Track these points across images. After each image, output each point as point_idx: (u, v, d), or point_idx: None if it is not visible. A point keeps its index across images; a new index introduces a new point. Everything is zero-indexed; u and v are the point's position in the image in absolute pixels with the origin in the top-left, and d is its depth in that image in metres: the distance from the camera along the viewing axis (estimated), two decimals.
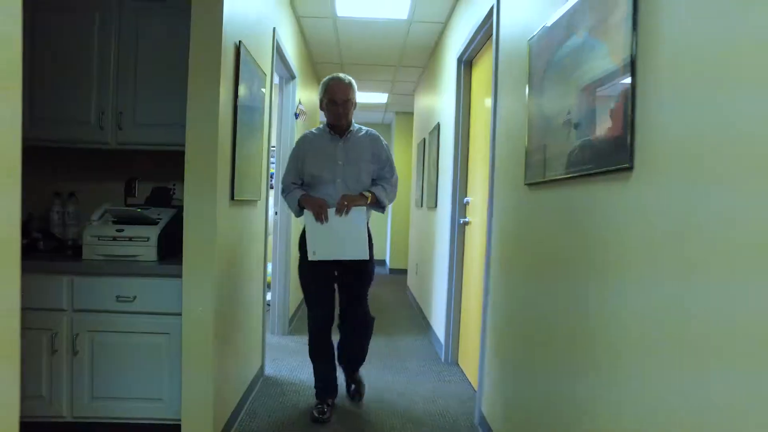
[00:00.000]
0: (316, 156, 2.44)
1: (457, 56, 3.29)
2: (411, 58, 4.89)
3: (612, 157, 1.21)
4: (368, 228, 2.43)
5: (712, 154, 0.88)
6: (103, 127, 2.17)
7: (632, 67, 1.14)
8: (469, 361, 2.99)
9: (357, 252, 2.36)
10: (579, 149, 1.41)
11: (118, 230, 2.10)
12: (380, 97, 6.70)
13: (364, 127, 2.56)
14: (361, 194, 2.39)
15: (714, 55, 0.89)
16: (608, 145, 1.24)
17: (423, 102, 5.43)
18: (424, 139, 4.99)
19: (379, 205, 2.47)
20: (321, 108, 2.51)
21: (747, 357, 0.78)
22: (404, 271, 6.78)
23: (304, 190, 2.46)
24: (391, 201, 2.53)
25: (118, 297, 2.00)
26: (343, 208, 2.31)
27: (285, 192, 2.53)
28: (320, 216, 2.31)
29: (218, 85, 1.94)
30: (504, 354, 2.14)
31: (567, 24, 1.53)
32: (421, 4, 3.56)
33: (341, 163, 2.42)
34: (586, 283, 1.37)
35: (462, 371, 3.20)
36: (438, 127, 4.14)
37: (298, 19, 3.94)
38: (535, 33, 1.80)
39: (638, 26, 1.14)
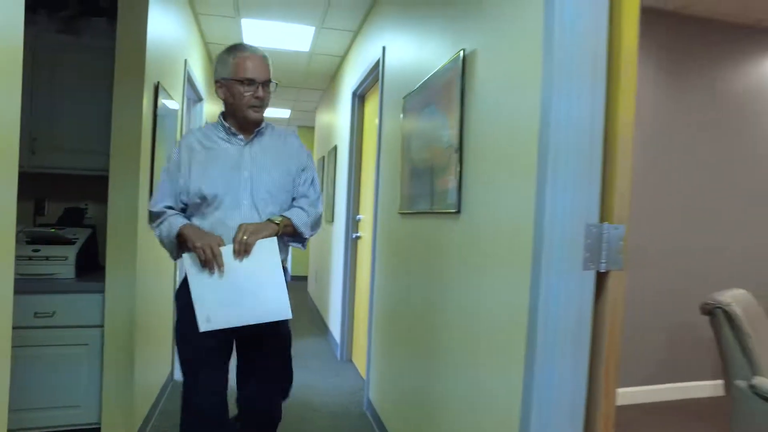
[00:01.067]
0: (209, 166, 1.62)
1: (352, 90, 3.76)
2: (313, 82, 5.29)
3: (451, 203, 1.73)
4: (285, 268, 1.70)
5: (488, 207, 1.41)
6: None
7: (460, 142, 1.66)
8: (361, 357, 3.45)
9: (275, 310, 1.56)
10: (432, 194, 1.92)
11: (34, 250, 2.27)
12: (283, 113, 7.01)
13: (272, 124, 1.81)
14: (269, 221, 1.60)
15: (488, 147, 1.43)
16: (449, 195, 1.76)
17: (323, 120, 5.85)
18: (324, 157, 5.41)
19: (298, 238, 1.71)
20: (221, 93, 1.67)
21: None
22: (305, 278, 7.13)
23: (186, 218, 1.63)
24: (314, 231, 1.75)
25: (36, 313, 2.17)
26: (243, 247, 1.51)
27: (154, 221, 1.64)
28: (211, 262, 1.50)
29: (140, 121, 2.22)
30: (384, 347, 2.62)
31: (426, 94, 2.05)
32: (321, 40, 3.98)
33: (248, 175, 1.64)
34: (433, 285, 1.88)
35: (355, 367, 3.66)
36: (335, 149, 4.58)
37: (207, 45, 4.18)
38: (409, 92, 2.30)
39: (464, 119, 1.67)
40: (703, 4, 3.32)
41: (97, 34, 2.38)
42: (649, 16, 3.24)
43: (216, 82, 1.68)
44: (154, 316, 2.68)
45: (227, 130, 1.68)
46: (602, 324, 1.21)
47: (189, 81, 3.38)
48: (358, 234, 3.69)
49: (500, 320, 1.36)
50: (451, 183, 1.71)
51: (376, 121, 3.02)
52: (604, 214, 1.19)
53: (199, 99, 4.02)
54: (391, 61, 2.77)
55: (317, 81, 5.24)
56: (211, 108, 4.60)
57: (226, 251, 1.52)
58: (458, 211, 1.66)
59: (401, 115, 2.39)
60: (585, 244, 1.17)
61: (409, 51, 2.38)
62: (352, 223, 3.78)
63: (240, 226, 1.54)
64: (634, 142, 1.18)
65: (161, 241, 1.64)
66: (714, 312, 1.83)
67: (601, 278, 1.20)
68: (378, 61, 2.96)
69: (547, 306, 1.16)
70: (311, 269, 6.43)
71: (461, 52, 1.66)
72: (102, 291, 2.18)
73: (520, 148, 1.29)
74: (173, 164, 1.66)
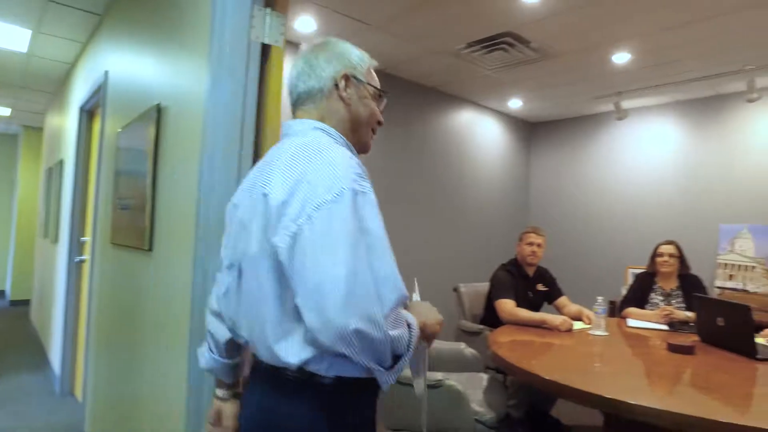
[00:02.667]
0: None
1: (80, 105, 3.54)
2: (37, 84, 4.71)
3: (146, 242, 1.88)
4: None
5: (171, 251, 1.64)
6: None
7: (153, 188, 1.84)
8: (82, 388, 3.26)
9: None
10: (134, 229, 2.04)
11: None
12: (3, 111, 5.99)
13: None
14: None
15: (172, 200, 1.66)
16: (145, 233, 1.91)
17: (53, 125, 5.23)
18: (50, 169, 4.85)
19: None
20: (347, 95, 1.11)
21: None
22: (28, 302, 6.18)
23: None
24: None
25: None
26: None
27: (395, 318, 0.92)
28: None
29: None
30: (100, 374, 2.59)
31: (134, 133, 2.15)
32: (41, 44, 3.63)
33: None
34: (135, 318, 2.01)
35: (76, 399, 3.42)
36: (62, 163, 4.19)
37: None
38: (123, 126, 2.35)
39: (157, 169, 1.84)
40: (405, 66, 4.15)
41: None
42: None
43: (345, 76, 1.10)
44: None
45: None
46: None
47: None
48: (83, 257, 3.47)
49: (175, 334, 1.58)
50: (147, 223, 1.86)
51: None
52: None
53: None
54: (114, 87, 2.76)
55: (41, 83, 4.69)
56: None
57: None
58: (151, 249, 1.83)
59: (116, 145, 2.43)
60: None
61: (128, 82, 2.43)
62: (77, 245, 3.54)
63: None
64: None
65: (407, 349, 0.93)
66: None
67: None
68: (100, 86, 2.90)
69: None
70: (35, 293, 5.63)
71: (158, 104, 1.84)
72: None
73: (188, 210, 1.54)
74: (378, 214, 0.97)
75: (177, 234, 1.62)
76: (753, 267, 4.06)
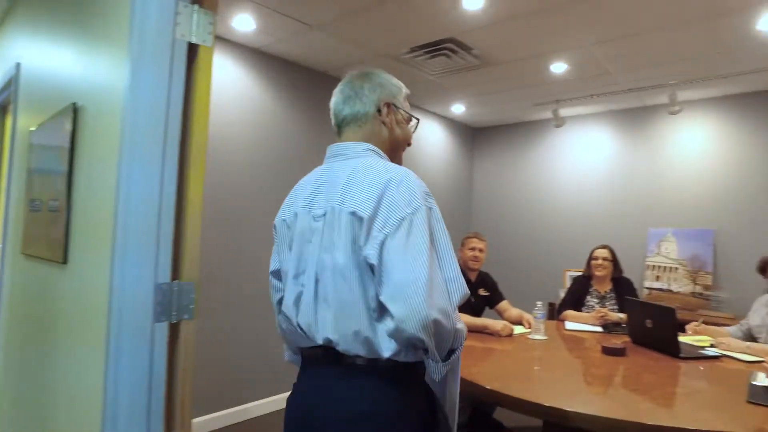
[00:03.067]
0: None
1: None
2: None
3: (60, 253, 1.71)
4: None
5: (87, 264, 1.49)
6: None
7: (69, 194, 1.68)
8: None
9: None
10: (49, 239, 1.86)
11: None
12: None
13: None
14: None
15: (89, 206, 1.51)
16: (59, 244, 1.74)
17: None
18: None
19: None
20: (389, 120, 1.33)
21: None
22: None
23: None
24: None
25: None
26: None
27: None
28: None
29: None
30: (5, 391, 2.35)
31: (49, 133, 1.97)
32: None
33: None
34: (44, 344, 1.83)
35: None
36: None
37: None
38: (37, 125, 2.15)
39: (73, 173, 1.69)
40: (349, 69, 4.08)
41: None
42: (297, 73, 3.82)
43: (387, 104, 1.31)
44: None
45: None
46: (177, 366, 1.43)
47: None
48: None
49: (83, 388, 1.44)
50: (61, 233, 1.70)
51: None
52: (177, 274, 1.41)
53: None
54: (26, 80, 2.52)
55: None
56: None
57: None
58: (65, 262, 1.66)
59: (29, 145, 2.22)
60: (156, 300, 1.36)
61: (42, 76, 2.23)
62: None
63: None
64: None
65: (461, 343, 1.18)
66: None
67: (174, 328, 1.42)
68: (11, 79, 2.65)
69: (118, 360, 1.30)
70: None
71: (74, 103, 1.69)
72: None
73: (106, 219, 1.41)
74: (443, 224, 1.21)
75: (93, 245, 1.49)
76: (676, 268, 4.31)
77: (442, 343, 1.09)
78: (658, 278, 4.37)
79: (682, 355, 2.31)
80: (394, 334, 1.08)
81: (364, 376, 1.14)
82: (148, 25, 1.31)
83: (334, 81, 4.08)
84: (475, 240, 3.27)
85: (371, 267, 1.09)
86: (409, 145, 1.40)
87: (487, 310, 3.37)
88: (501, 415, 3.07)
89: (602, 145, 4.92)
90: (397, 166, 1.21)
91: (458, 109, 5.05)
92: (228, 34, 3.37)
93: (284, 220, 1.31)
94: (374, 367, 1.13)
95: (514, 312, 3.26)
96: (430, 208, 1.16)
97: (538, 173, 5.34)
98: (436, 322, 1.04)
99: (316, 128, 3.98)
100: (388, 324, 1.09)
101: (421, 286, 1.03)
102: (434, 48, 3.45)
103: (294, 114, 3.86)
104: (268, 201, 3.69)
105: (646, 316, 2.50)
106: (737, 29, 3.02)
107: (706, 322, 2.87)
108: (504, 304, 3.38)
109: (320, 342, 1.18)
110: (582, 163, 5.04)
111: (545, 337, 2.76)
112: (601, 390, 1.88)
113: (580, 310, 3.39)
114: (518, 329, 2.94)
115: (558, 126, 4.65)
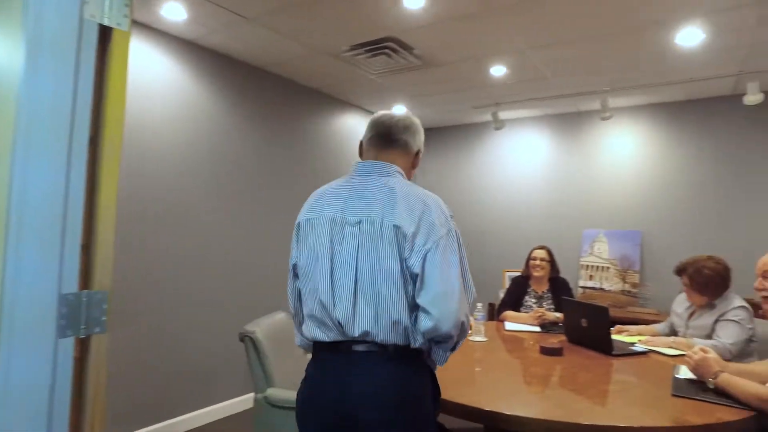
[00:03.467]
0: None
1: None
2: None
3: None
4: None
5: None
6: None
7: None
8: None
9: None
10: None
11: None
12: None
13: None
14: None
15: None
16: None
17: None
18: None
19: None
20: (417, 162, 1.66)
21: None
22: None
23: None
24: None
25: None
26: None
27: None
28: None
29: None
30: None
31: None
32: None
33: None
34: None
35: None
36: None
37: None
38: None
39: None
40: (287, 65, 3.97)
41: None
42: (232, 67, 3.66)
43: (419, 151, 1.62)
44: None
45: None
46: (87, 386, 1.28)
47: None
48: None
49: None
50: None
51: None
52: (87, 283, 1.26)
53: None
54: None
55: None
56: None
57: None
58: None
59: None
60: (60, 313, 1.21)
61: None
62: None
63: None
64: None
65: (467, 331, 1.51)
66: (245, 339, 2.18)
67: (83, 343, 1.26)
68: None
69: (7, 390, 1.13)
70: None
71: None
72: None
73: None
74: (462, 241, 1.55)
75: None
76: (608, 267, 4.50)
77: (461, 337, 1.37)
78: (591, 277, 4.55)
79: (614, 352, 2.38)
80: (430, 331, 1.30)
81: (397, 360, 1.35)
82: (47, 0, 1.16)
83: (272, 77, 3.94)
84: None
85: (413, 275, 1.33)
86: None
87: None
88: (442, 418, 3.05)
89: (540, 148, 5.07)
90: (430, 193, 1.47)
91: (400, 110, 5.03)
92: (157, 23, 3.16)
93: (309, 220, 1.46)
94: (404, 352, 1.35)
95: None
96: (456, 231, 1.43)
97: (477, 175, 5.43)
98: (462, 323, 1.33)
99: (251, 125, 3.82)
100: (425, 322, 1.31)
101: (455, 295, 1.31)
102: (375, 46, 3.40)
103: (229, 109, 3.68)
104: (199, 198, 3.50)
105: (582, 316, 2.56)
106: (658, 42, 3.18)
107: (634, 319, 2.99)
108: None
109: (356, 335, 1.33)
110: (520, 166, 5.16)
111: (485, 339, 2.77)
112: (540, 390, 1.89)
113: (518, 311, 3.44)
114: None
115: (497, 128, 4.73)
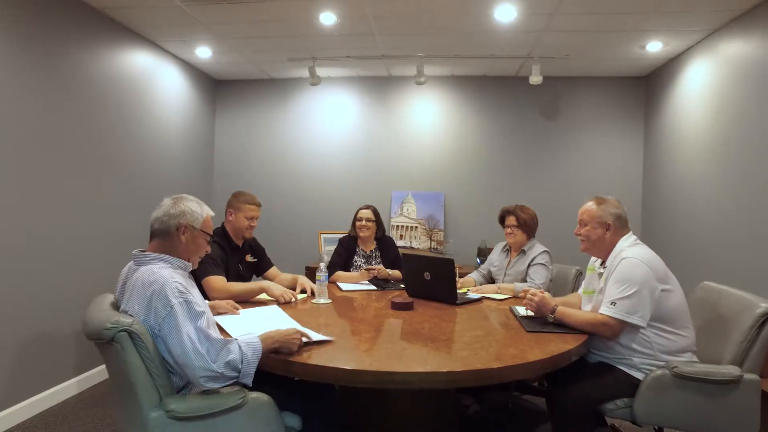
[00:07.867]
0: None
1: None
2: None
3: None
4: None
5: None
6: None
7: None
8: None
9: None
10: None
11: None
12: None
13: None
14: None
15: None
16: None
17: None
18: None
19: None
20: None
21: None
22: None
23: None
24: None
25: None
26: None
27: None
28: None
29: None
30: None
31: None
32: None
33: None
34: None
35: None
36: None
37: None
38: None
39: None
40: None
41: None
42: None
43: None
44: None
45: None
46: None
47: None
48: None
49: None
50: None
51: None
52: None
53: None
54: None
55: None
56: None
57: None
58: None
59: None
60: None
61: None
62: None
63: None
64: None
65: None
66: (117, 337, 1.56)
67: None
68: None
69: None
70: None
71: None
72: None
73: None
74: None
75: None
76: (416, 227, 4.78)
77: None
78: (402, 237, 4.77)
79: (458, 302, 2.49)
80: None
81: None
82: None
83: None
84: (255, 208, 2.88)
85: None
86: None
87: (254, 278, 3.03)
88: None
89: (352, 109, 5.03)
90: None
91: (204, 53, 4.35)
92: None
93: None
94: None
95: (286, 277, 3.01)
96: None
97: (290, 133, 5.13)
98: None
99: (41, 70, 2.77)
100: None
101: None
102: None
103: (13, 49, 2.59)
104: None
105: (425, 269, 2.60)
106: (478, 14, 3.39)
107: None
108: (273, 271, 3.10)
109: None
110: (333, 126, 5.06)
111: (329, 301, 2.61)
112: (421, 345, 1.82)
113: (348, 271, 3.37)
114: (301, 296, 2.71)
115: (313, 84, 4.51)
